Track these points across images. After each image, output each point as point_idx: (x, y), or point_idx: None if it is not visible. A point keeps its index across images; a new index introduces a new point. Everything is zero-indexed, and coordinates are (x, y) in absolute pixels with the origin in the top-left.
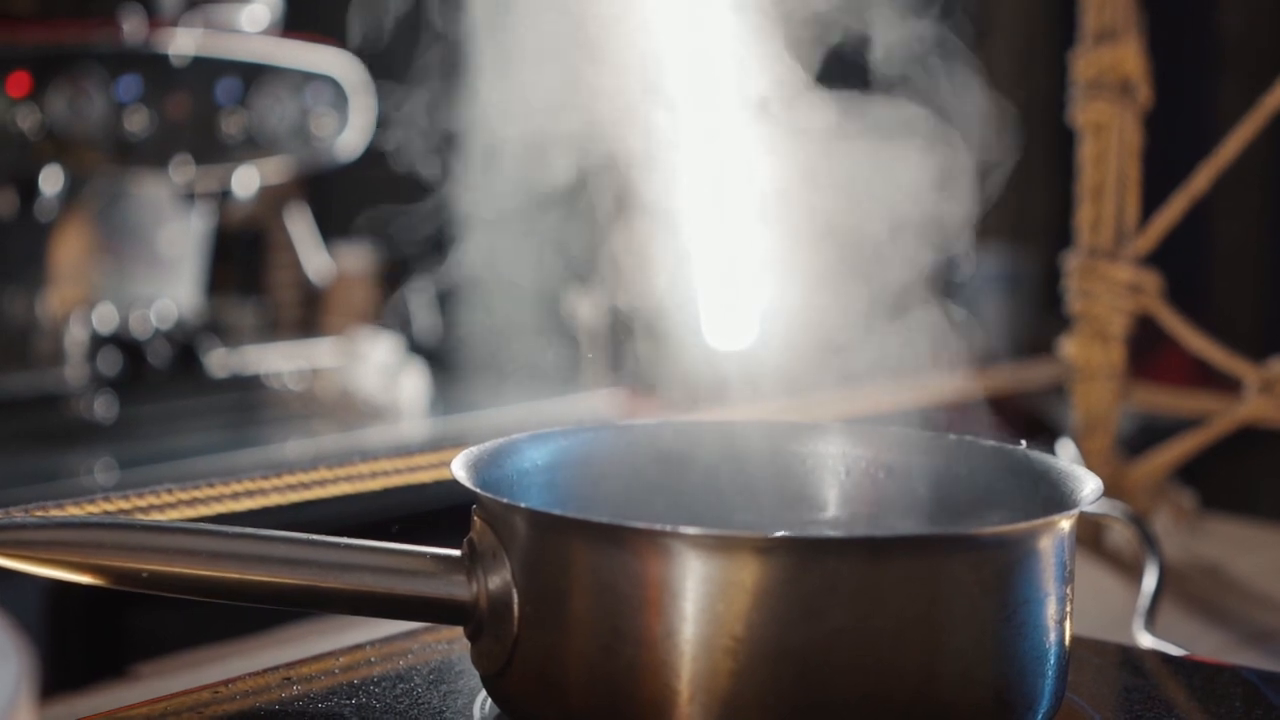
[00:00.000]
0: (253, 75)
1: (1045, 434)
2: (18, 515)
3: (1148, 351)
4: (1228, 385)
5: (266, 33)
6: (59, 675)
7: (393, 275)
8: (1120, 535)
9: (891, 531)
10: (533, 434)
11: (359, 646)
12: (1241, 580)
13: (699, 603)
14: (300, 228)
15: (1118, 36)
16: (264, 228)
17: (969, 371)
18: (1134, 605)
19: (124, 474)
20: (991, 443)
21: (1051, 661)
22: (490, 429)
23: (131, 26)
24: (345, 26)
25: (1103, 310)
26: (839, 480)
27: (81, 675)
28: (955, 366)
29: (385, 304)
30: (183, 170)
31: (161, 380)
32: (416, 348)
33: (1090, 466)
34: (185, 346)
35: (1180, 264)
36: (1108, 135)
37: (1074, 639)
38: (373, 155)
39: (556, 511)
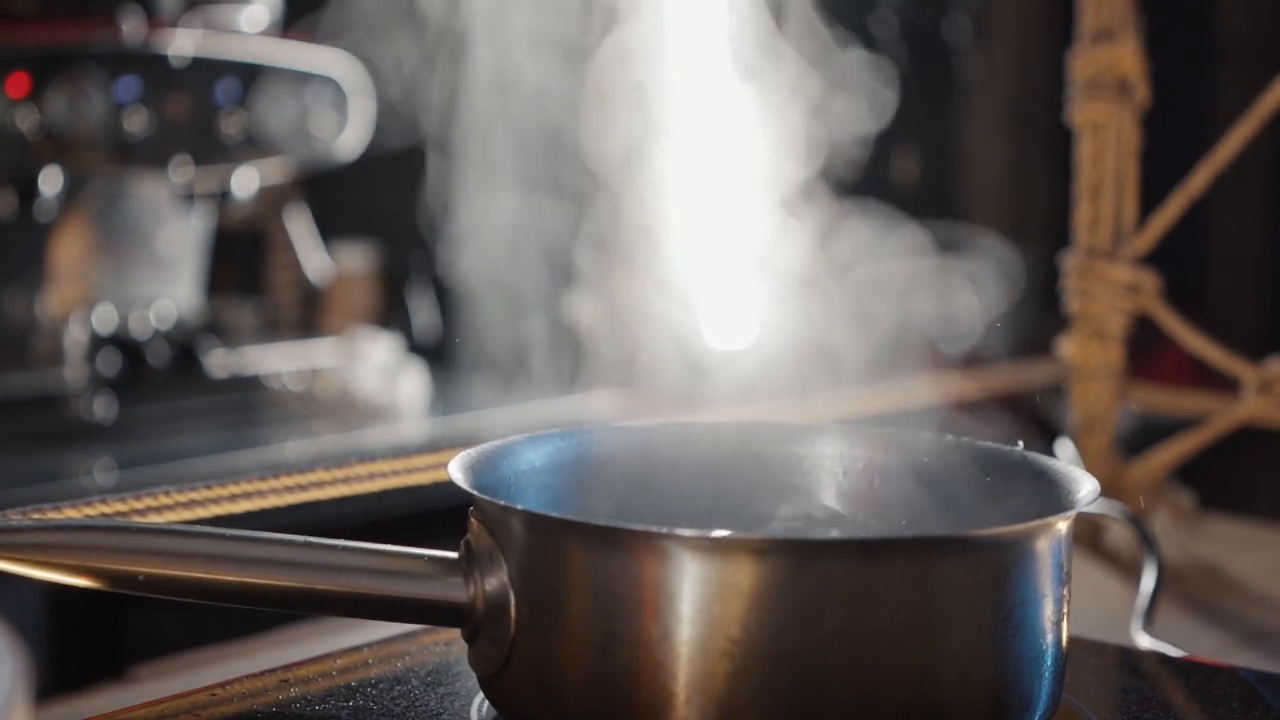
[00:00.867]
0: (252, 76)
1: (1044, 434)
2: (14, 518)
3: (1146, 351)
4: (1226, 385)
5: (266, 33)
6: (57, 677)
7: (393, 275)
8: (1118, 535)
9: (888, 533)
10: (530, 436)
11: (356, 648)
12: (1240, 580)
13: (696, 605)
14: (300, 228)
15: (1115, 36)
16: (263, 228)
17: (967, 371)
18: (1132, 606)
19: (123, 474)
20: (989, 443)
21: (1049, 662)
22: (489, 429)
23: (131, 27)
24: (345, 26)
25: (1101, 310)
26: (836, 481)
27: (80, 677)
28: (953, 367)
29: (385, 304)
30: (182, 170)
31: (161, 380)
32: (416, 348)
33: (1088, 466)
34: (185, 347)
35: (1178, 264)
36: (1106, 135)
37: (1072, 640)
38: (372, 155)
39: (553, 513)
